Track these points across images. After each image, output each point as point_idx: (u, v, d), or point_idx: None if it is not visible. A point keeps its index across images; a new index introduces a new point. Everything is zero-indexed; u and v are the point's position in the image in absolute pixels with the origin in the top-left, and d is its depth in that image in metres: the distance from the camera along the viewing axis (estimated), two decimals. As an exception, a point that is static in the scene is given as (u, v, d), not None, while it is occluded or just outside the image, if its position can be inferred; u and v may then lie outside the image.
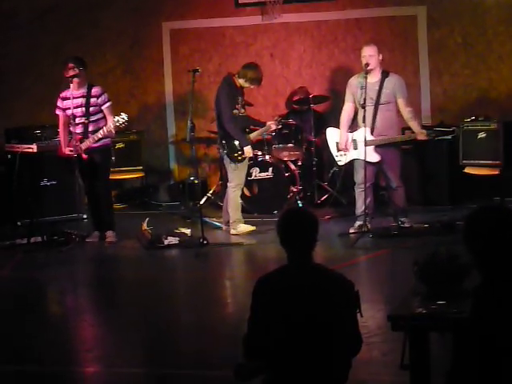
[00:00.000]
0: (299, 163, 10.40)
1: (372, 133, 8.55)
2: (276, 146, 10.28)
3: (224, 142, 9.11)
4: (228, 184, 9.31)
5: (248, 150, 9.08)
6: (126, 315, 6.71)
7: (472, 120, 9.84)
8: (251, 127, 9.56)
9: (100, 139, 8.82)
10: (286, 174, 10.18)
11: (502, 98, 10.46)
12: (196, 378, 5.25)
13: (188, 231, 8.91)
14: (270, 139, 10.29)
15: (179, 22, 11.44)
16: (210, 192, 10.69)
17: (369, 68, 8.47)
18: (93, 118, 8.89)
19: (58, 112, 9.06)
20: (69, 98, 8.86)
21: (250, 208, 9.97)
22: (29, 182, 9.82)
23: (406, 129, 9.28)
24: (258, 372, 3.66)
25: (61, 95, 9.02)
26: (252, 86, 9.25)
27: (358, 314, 3.71)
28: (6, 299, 7.45)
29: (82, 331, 6.47)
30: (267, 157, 10.15)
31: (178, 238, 8.73)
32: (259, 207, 10.06)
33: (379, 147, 8.56)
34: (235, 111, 9.07)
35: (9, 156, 10.03)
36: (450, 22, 10.62)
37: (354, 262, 7.91)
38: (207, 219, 9.47)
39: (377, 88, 8.55)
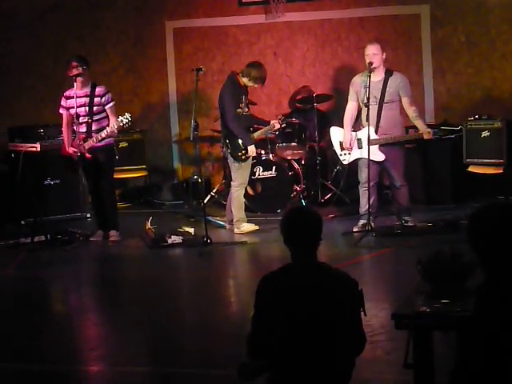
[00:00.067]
0: (303, 162, 10.40)
1: (376, 132, 8.54)
2: (279, 144, 10.27)
3: (228, 140, 9.11)
4: (231, 183, 9.31)
5: (252, 149, 9.07)
6: (129, 314, 6.71)
7: (475, 119, 9.82)
8: (255, 126, 9.57)
9: (103, 139, 8.83)
10: (290, 173, 10.17)
11: (506, 97, 10.44)
12: (200, 376, 5.25)
13: (191, 230, 8.92)
14: (273, 138, 10.29)
15: (183, 21, 11.44)
16: (214, 191, 10.71)
17: (372, 67, 8.46)
18: (96, 118, 8.89)
19: (61, 111, 9.06)
20: (72, 97, 8.84)
21: (253, 207, 9.97)
22: (32, 181, 9.82)
23: (409, 127, 9.28)
24: (261, 371, 3.65)
25: (65, 94, 9.02)
26: (256, 85, 9.24)
27: (362, 313, 3.71)
28: (10, 298, 7.46)
29: (85, 330, 6.47)
30: (271, 156, 10.14)
31: (181, 237, 8.73)
32: (263, 206, 10.05)
33: (383, 146, 8.56)
34: (239, 110, 9.07)
35: (12, 155, 10.04)
36: (454, 21, 10.61)
37: (358, 260, 7.90)
38: (211, 218, 9.46)
39: (380, 87, 8.54)
